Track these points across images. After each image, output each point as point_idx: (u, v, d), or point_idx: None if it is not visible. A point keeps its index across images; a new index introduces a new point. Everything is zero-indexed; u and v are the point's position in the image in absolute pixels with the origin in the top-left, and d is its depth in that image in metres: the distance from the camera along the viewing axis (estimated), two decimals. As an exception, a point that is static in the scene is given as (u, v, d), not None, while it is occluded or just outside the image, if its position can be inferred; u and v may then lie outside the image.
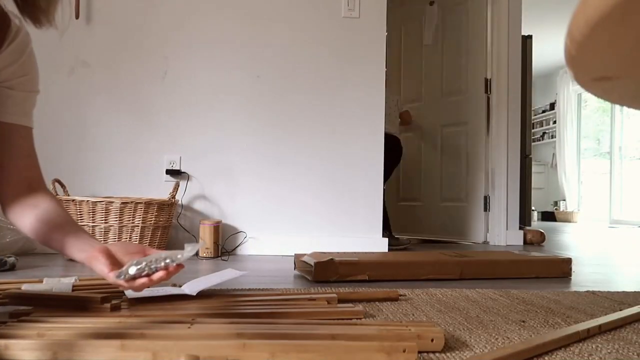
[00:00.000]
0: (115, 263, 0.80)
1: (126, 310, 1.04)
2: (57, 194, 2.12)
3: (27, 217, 0.91)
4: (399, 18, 3.60)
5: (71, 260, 2.09)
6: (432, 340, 0.84)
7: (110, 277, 0.77)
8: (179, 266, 0.78)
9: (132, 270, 0.76)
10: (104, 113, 2.39)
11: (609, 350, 0.89)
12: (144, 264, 0.76)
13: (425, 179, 3.52)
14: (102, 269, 0.78)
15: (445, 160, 3.41)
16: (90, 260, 0.80)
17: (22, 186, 0.94)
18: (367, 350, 0.76)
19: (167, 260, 0.77)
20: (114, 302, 1.05)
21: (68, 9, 0.83)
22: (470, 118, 3.34)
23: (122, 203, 2.07)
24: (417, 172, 3.56)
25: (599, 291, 1.51)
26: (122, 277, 0.76)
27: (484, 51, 3.30)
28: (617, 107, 6.65)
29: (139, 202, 2.10)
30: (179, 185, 2.30)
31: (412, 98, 3.61)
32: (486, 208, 3.27)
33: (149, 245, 2.14)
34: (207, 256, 2.23)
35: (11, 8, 0.86)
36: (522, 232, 3.25)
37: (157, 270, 0.77)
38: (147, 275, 0.77)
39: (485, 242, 3.26)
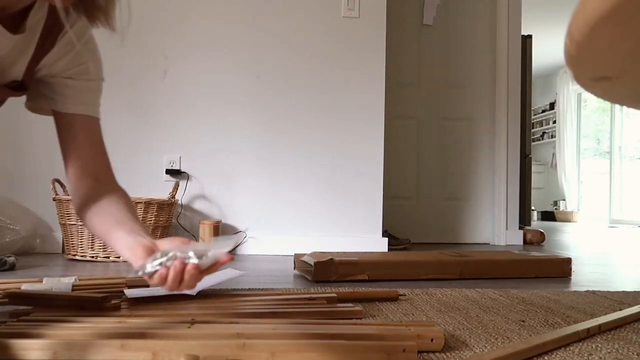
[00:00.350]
0: None
1: (126, 310, 1.04)
2: (57, 194, 2.12)
3: (90, 214, 0.85)
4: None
5: (73, 259, 2.09)
6: (432, 340, 0.84)
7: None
8: (209, 268, 0.67)
9: (149, 267, 0.68)
10: (103, 112, 2.37)
11: (608, 350, 0.89)
12: (164, 258, 0.68)
13: (422, 174, 3.33)
14: (136, 264, 0.71)
15: (446, 156, 3.35)
16: (132, 258, 0.73)
17: (88, 180, 0.90)
18: (367, 350, 0.76)
19: (190, 254, 0.67)
20: (114, 302, 1.05)
21: (127, 10, 0.79)
22: (474, 114, 3.32)
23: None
24: (413, 167, 3.34)
25: (598, 291, 1.51)
26: (141, 272, 0.68)
27: (489, 42, 3.27)
28: (617, 107, 6.65)
29: (139, 202, 2.10)
30: (178, 185, 2.30)
31: (406, 82, 3.30)
32: (490, 208, 3.27)
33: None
34: (207, 256, 2.23)
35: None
36: (522, 232, 3.25)
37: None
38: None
39: (485, 242, 3.26)
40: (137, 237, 0.76)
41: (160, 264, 0.66)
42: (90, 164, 0.91)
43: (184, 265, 0.65)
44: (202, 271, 0.66)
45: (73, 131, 0.90)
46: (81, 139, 0.91)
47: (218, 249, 0.66)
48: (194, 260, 0.65)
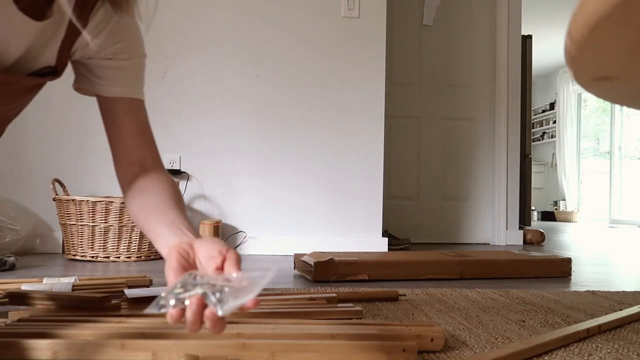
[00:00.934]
0: (188, 268, 0.61)
1: (126, 310, 1.04)
2: (57, 194, 2.12)
3: (132, 203, 0.79)
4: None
5: (73, 259, 2.09)
6: (431, 340, 0.84)
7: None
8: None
9: (171, 302, 0.54)
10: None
11: (608, 350, 0.89)
12: (180, 293, 0.55)
13: (422, 174, 3.31)
14: (168, 276, 0.59)
15: (446, 156, 3.35)
16: (166, 264, 0.62)
17: (134, 168, 0.84)
18: (367, 350, 0.76)
19: (212, 299, 0.54)
20: (114, 302, 1.05)
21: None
22: (474, 114, 3.32)
23: (122, 203, 2.07)
24: (413, 167, 3.31)
25: (598, 291, 1.51)
26: (164, 308, 0.54)
27: (489, 42, 3.28)
28: (617, 107, 6.65)
29: (139, 202, 2.09)
30: (178, 185, 2.30)
31: (406, 82, 3.29)
32: (490, 208, 3.27)
33: (148, 244, 2.13)
34: (207, 256, 2.23)
35: None
36: (522, 232, 3.25)
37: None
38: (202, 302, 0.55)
39: (485, 242, 3.26)
40: (177, 232, 0.68)
41: (177, 299, 0.54)
42: (135, 151, 0.85)
43: (202, 306, 0.54)
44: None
45: (114, 116, 0.85)
46: (123, 125, 0.85)
47: (245, 293, 0.54)
48: (213, 307, 0.53)
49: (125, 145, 0.85)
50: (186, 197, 2.40)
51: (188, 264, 0.61)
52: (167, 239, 0.68)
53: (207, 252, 0.62)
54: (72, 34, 0.80)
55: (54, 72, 0.83)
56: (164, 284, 0.60)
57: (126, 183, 0.83)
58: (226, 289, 0.55)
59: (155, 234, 0.71)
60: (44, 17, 0.75)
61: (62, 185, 2.21)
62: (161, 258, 2.19)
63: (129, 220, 2.08)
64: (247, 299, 0.53)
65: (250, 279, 0.56)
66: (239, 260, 0.61)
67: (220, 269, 0.60)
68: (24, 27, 0.73)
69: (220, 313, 0.53)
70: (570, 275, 1.85)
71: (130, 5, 0.77)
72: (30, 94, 0.85)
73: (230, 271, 0.59)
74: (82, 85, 0.89)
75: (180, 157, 2.41)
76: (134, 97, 0.87)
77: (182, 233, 0.68)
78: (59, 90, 2.37)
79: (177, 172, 2.40)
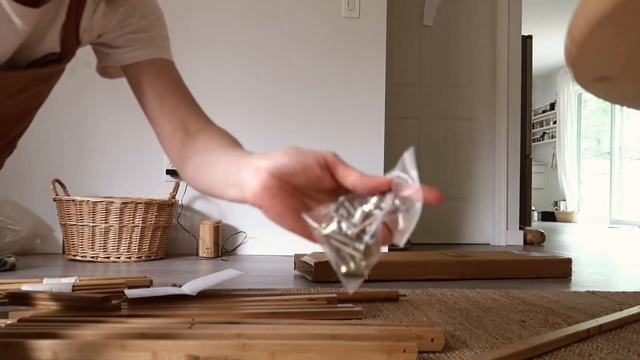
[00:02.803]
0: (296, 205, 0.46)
1: (126, 310, 1.04)
2: (57, 194, 2.12)
3: (191, 173, 0.68)
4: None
5: (73, 259, 2.09)
6: (432, 340, 0.84)
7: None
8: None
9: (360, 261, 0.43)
10: (104, 113, 2.39)
11: (609, 350, 0.89)
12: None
13: (422, 174, 3.32)
14: (281, 221, 0.46)
15: (446, 156, 3.36)
16: (259, 204, 0.47)
17: (177, 135, 0.74)
18: (367, 350, 0.76)
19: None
20: (114, 302, 1.05)
21: None
22: (474, 114, 3.32)
23: (122, 203, 2.07)
24: None
25: (599, 291, 1.51)
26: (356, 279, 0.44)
27: (489, 42, 3.28)
28: (617, 107, 6.65)
29: (139, 202, 2.10)
30: (179, 185, 2.30)
31: (406, 82, 3.30)
32: (490, 208, 3.27)
33: (148, 244, 2.13)
34: (207, 256, 2.23)
35: None
36: (522, 232, 3.25)
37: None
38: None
39: (486, 243, 3.26)
40: (242, 166, 0.52)
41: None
42: (173, 113, 0.76)
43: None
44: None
45: (142, 84, 0.78)
46: (154, 89, 0.77)
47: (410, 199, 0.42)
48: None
49: (162, 113, 0.77)
50: (186, 197, 2.40)
51: (290, 198, 0.46)
52: (229, 177, 0.53)
53: (304, 173, 0.47)
54: (74, 16, 0.76)
55: (59, 58, 0.79)
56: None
57: (174, 153, 0.74)
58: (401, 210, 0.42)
59: (214, 183, 0.58)
60: (42, 3, 0.70)
61: (62, 185, 2.22)
62: (161, 258, 2.19)
63: (129, 220, 2.08)
64: (418, 205, 0.41)
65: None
66: (338, 157, 0.46)
67: (334, 180, 0.46)
68: (20, 17, 0.68)
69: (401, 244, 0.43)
70: (570, 275, 1.85)
71: None
72: (42, 84, 0.81)
73: (353, 178, 0.45)
74: (103, 63, 0.84)
75: (180, 157, 2.41)
76: (157, 57, 0.79)
77: (244, 167, 0.51)
78: (59, 91, 2.37)
79: (177, 173, 2.40)
